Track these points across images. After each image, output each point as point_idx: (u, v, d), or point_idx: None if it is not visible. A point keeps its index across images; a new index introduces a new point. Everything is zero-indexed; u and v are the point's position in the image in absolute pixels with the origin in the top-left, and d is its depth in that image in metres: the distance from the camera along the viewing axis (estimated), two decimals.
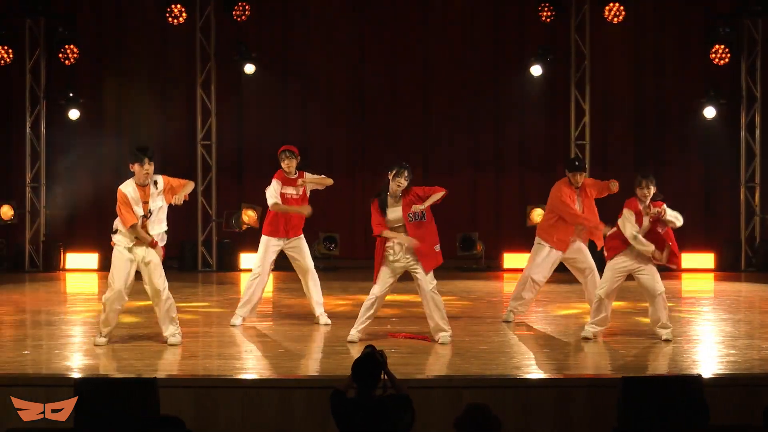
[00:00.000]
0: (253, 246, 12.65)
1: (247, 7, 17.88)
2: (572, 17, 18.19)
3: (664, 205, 10.40)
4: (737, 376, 9.04)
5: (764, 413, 6.75)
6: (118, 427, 7.00)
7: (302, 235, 11.72)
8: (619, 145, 18.71)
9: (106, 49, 18.95)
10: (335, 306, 13.21)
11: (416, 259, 10.34)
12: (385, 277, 10.37)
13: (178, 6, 17.78)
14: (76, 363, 9.70)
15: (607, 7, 17.73)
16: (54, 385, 8.28)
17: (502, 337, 11.16)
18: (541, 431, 8.38)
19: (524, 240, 15.66)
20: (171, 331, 10.37)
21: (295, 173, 11.55)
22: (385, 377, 6.81)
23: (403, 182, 10.31)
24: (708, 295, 15.70)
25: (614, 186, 11.33)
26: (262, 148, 17.84)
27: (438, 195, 10.33)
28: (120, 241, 10.33)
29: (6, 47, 17.98)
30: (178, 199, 10.29)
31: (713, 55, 17.88)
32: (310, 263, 11.74)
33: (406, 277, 10.66)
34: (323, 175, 11.69)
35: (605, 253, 10.67)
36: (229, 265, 18.16)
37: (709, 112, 18.01)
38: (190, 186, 10.51)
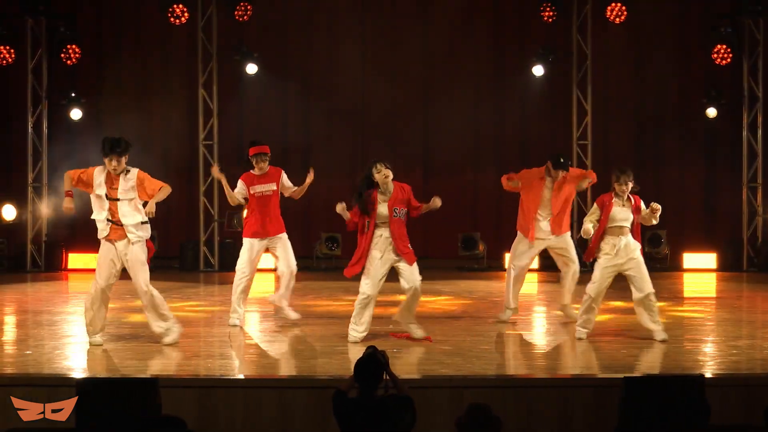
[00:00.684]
0: None
1: (248, 7, 17.89)
2: (574, 17, 18.20)
3: (642, 202, 10.52)
4: (739, 376, 9.03)
5: (765, 413, 6.74)
6: (120, 427, 7.00)
7: (284, 233, 11.70)
8: (620, 144, 18.71)
9: (107, 49, 18.97)
10: (337, 306, 13.21)
11: (398, 254, 10.35)
12: (376, 276, 10.35)
13: (180, 6, 17.79)
14: (77, 363, 9.70)
15: (608, 8, 17.74)
16: (55, 385, 8.27)
17: (503, 337, 11.15)
18: (543, 431, 8.38)
19: None
20: (161, 327, 10.24)
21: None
22: (387, 377, 6.82)
23: (390, 172, 10.35)
24: (710, 295, 15.70)
25: (591, 176, 11.87)
26: None
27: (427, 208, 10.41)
28: (98, 232, 10.18)
29: (8, 47, 18.00)
30: (150, 212, 10.16)
31: (715, 55, 17.89)
32: (292, 262, 11.65)
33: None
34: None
35: (596, 255, 10.63)
36: (231, 265, 18.03)
37: (711, 112, 18.02)
38: (164, 192, 10.17)
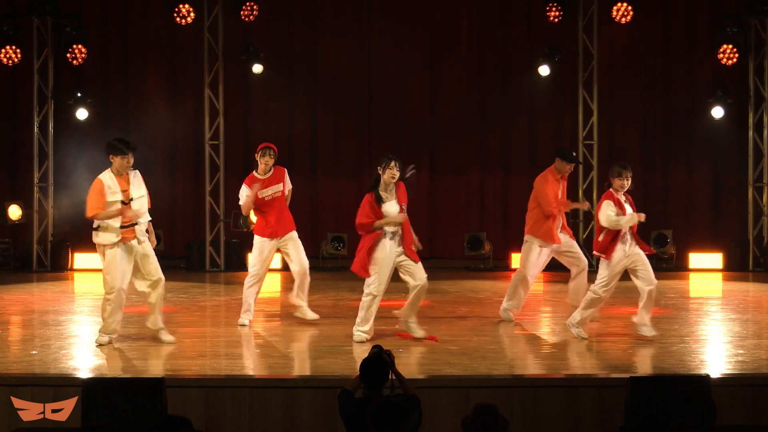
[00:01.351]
0: None
1: (254, 6, 17.87)
2: (580, 17, 18.16)
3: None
4: (745, 376, 9.02)
5: None
6: (126, 426, 7.01)
7: (295, 231, 11.69)
8: (626, 144, 18.68)
9: (113, 49, 18.97)
10: (342, 306, 13.21)
11: (404, 252, 10.36)
12: (382, 275, 10.36)
13: (186, 6, 17.77)
14: (83, 363, 9.71)
15: (614, 7, 17.70)
16: (61, 385, 8.29)
17: (509, 337, 11.15)
18: (549, 431, 8.38)
19: None
20: (162, 324, 10.39)
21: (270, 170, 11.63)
22: (393, 377, 6.82)
23: (396, 172, 10.39)
24: (716, 295, 15.68)
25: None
26: None
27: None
28: (105, 238, 10.19)
29: (14, 47, 17.97)
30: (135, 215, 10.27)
31: (721, 55, 17.84)
32: (304, 260, 11.66)
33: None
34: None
35: (602, 257, 10.55)
36: (237, 265, 18.15)
37: (717, 112, 17.97)
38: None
